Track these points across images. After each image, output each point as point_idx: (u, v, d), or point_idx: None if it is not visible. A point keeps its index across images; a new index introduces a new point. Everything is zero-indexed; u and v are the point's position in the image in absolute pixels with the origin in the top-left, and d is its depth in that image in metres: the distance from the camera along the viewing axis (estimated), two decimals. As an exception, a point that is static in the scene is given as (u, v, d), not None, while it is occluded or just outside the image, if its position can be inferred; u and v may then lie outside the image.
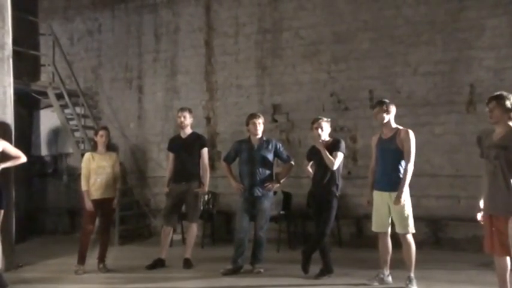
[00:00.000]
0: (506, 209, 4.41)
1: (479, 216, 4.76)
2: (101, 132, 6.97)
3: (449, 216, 7.70)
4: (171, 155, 7.19)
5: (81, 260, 6.74)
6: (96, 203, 6.71)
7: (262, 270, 6.49)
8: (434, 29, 8.12)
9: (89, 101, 10.39)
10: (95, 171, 6.76)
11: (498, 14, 7.76)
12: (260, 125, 6.68)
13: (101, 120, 10.36)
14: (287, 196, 8.44)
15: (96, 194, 6.73)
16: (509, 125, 4.55)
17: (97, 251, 6.92)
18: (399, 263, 5.69)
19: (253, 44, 9.42)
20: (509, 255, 4.52)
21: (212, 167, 8.68)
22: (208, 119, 9.69)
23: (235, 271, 6.44)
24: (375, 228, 5.80)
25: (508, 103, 4.52)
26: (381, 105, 5.69)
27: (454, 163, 7.84)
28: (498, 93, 4.65)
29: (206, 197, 8.58)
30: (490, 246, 4.62)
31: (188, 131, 7.13)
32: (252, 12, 9.46)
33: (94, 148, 7.05)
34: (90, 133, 9.06)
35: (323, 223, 6.08)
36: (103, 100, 10.61)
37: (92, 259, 6.89)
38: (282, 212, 8.23)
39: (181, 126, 7.12)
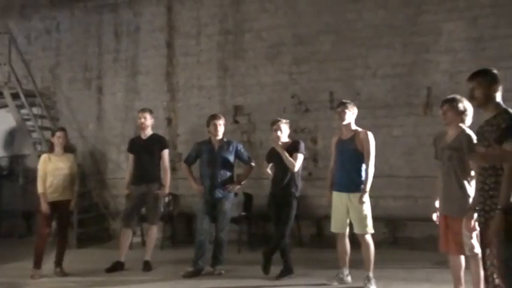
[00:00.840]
0: (460, 209, 4.50)
1: (435, 216, 4.87)
2: (58, 134, 6.84)
3: (406, 216, 7.84)
4: (130, 157, 7.09)
5: (37, 264, 6.58)
6: (53, 205, 6.57)
7: (223, 271, 6.47)
8: (393, 33, 8.26)
9: (47, 102, 10.18)
10: (52, 173, 6.62)
11: (454, 18, 7.95)
12: (221, 126, 6.67)
13: (59, 121, 10.15)
14: (248, 197, 8.45)
15: (52, 196, 6.59)
16: (461, 127, 4.69)
17: (54, 254, 6.77)
18: (358, 263, 5.76)
19: (215, 45, 9.40)
20: (464, 254, 4.64)
21: (173, 168, 8.61)
22: (169, 120, 9.62)
23: (195, 273, 6.40)
24: (333, 229, 5.86)
25: (460, 106, 4.67)
26: (344, 106, 5.75)
27: (412, 164, 7.99)
28: (451, 96, 4.81)
29: (167, 199, 8.51)
30: (444, 246, 4.74)
31: (148, 132, 7.06)
32: (214, 13, 9.44)
33: (51, 149, 6.90)
34: (48, 134, 8.86)
35: (283, 224, 6.11)
36: (61, 100, 10.40)
37: (49, 263, 6.74)
38: (242, 214, 8.24)
39: (142, 128, 7.04)
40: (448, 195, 4.64)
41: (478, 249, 4.39)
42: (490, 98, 3.62)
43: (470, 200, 4.43)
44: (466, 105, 4.69)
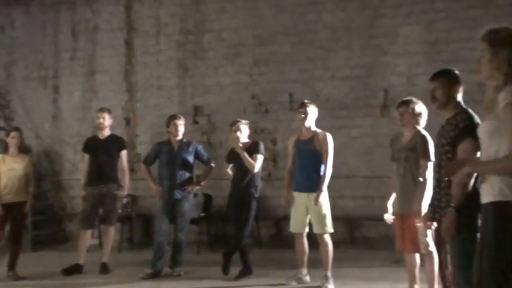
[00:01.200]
0: (415, 207, 4.64)
1: (387, 216, 4.97)
2: (12, 134, 6.70)
3: (364, 215, 7.95)
4: (86, 157, 6.96)
5: (-10, 267, 6.40)
6: (7, 207, 6.40)
7: (182, 273, 6.43)
8: (351, 35, 8.38)
9: (0, 101, 9.90)
10: (6, 174, 6.48)
11: (411, 22, 8.13)
12: (181, 126, 6.64)
13: (14, 120, 9.88)
14: (207, 198, 8.42)
15: (6, 198, 6.45)
16: (416, 129, 4.83)
17: (7, 257, 6.59)
18: (316, 262, 5.82)
19: (175, 45, 9.34)
20: (419, 252, 4.76)
21: (131, 169, 8.50)
22: (127, 120, 9.49)
23: (154, 275, 6.34)
24: (292, 229, 5.90)
25: (416, 108, 4.82)
26: (304, 106, 5.79)
27: (369, 164, 8.12)
28: (407, 98, 4.94)
29: (125, 200, 8.40)
30: (400, 244, 4.86)
31: (106, 132, 6.96)
32: (174, 13, 9.37)
33: (5, 150, 6.74)
34: (2, 134, 8.60)
35: (242, 225, 6.12)
36: (15, 100, 10.12)
37: (2, 267, 6.55)
38: (202, 214, 8.21)
39: (100, 128, 6.92)
40: (404, 194, 4.77)
41: (433, 247, 4.53)
42: (451, 98, 3.63)
43: (427, 199, 4.58)
44: (421, 107, 4.85)
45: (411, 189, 4.72)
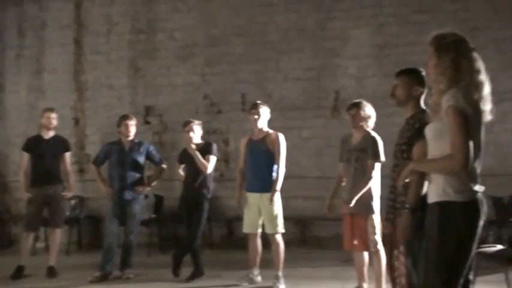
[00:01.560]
0: (365, 207, 4.76)
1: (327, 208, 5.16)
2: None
3: (315, 216, 8.03)
4: (26, 156, 6.68)
5: None
6: None
7: (131, 275, 6.33)
8: (303, 37, 8.47)
9: None
10: None
11: (361, 25, 8.29)
12: (132, 127, 6.54)
13: (-44, 120, 9.52)
14: (159, 199, 8.34)
15: None
16: (366, 130, 4.94)
17: None
18: (268, 263, 5.84)
19: (126, 44, 9.20)
20: (368, 250, 4.86)
21: (80, 170, 8.33)
22: (76, 120, 9.28)
23: (103, 278, 6.21)
24: (246, 229, 5.91)
25: (366, 110, 4.94)
26: (256, 107, 5.80)
27: (320, 165, 8.22)
28: (357, 100, 5.06)
29: (73, 201, 8.22)
30: (349, 243, 4.95)
31: (52, 132, 6.78)
32: (125, 11, 9.23)
33: None
34: None
35: (194, 226, 6.08)
36: (-42, 98, 9.75)
37: None
38: (153, 216, 8.13)
39: (49, 128, 6.73)
40: (354, 194, 4.85)
41: (380, 246, 4.64)
42: (411, 97, 3.59)
43: (376, 198, 4.73)
44: (371, 109, 4.97)
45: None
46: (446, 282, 2.69)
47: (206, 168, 6.05)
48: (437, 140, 2.80)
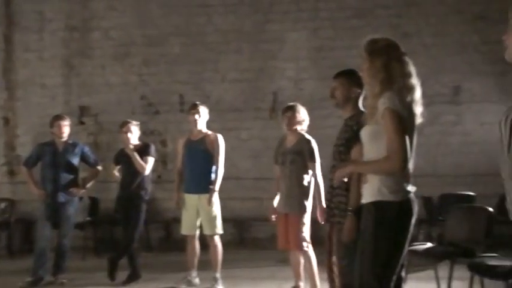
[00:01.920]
0: (299, 207, 4.87)
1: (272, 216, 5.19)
2: None
3: (253, 216, 8.11)
4: None
5: None
6: None
7: (65, 280, 6.15)
8: (242, 39, 8.52)
9: None
10: None
11: (298, 28, 8.43)
12: (66, 127, 6.36)
13: None
14: (94, 201, 8.17)
15: None
16: (301, 133, 5.05)
17: None
18: (206, 264, 5.83)
19: (60, 42, 8.94)
20: (301, 250, 4.95)
21: (11, 171, 8.02)
22: (6, 120, 8.94)
23: (35, 283, 6.00)
24: (184, 231, 5.86)
25: (301, 113, 5.04)
26: (196, 108, 5.78)
27: (258, 167, 8.28)
28: (292, 103, 5.17)
29: (3, 204, 7.91)
30: (283, 243, 5.03)
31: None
32: (59, 8, 8.97)
33: None
34: None
35: (131, 228, 5.99)
36: None
37: None
38: (88, 219, 7.95)
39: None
40: (290, 194, 4.98)
41: (309, 245, 4.79)
42: (349, 99, 3.65)
43: (310, 198, 4.86)
44: (305, 112, 5.08)
45: (296, 190, 4.95)
46: (381, 280, 2.77)
47: (144, 169, 5.97)
48: (373, 142, 2.87)
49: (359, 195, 3.08)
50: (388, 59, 2.85)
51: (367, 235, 2.83)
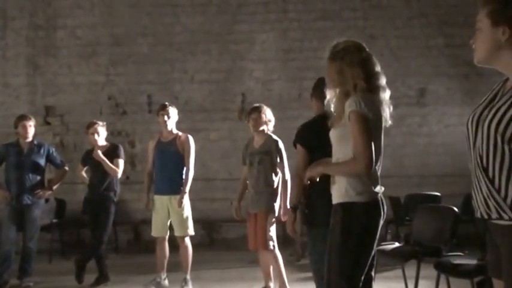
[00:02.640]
0: (266, 207, 4.92)
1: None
2: None
3: (222, 217, 8.11)
4: None
5: None
6: None
7: (31, 284, 6.04)
8: (210, 39, 8.51)
9: None
10: None
11: (266, 29, 8.47)
12: (31, 127, 6.23)
13: None
14: (60, 203, 8.04)
15: None
16: (267, 134, 5.13)
17: None
18: (175, 266, 5.81)
19: (23, 40, 8.78)
20: (268, 249, 4.98)
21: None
22: (-32, 120, 8.72)
23: (0, 287, 5.89)
24: (154, 233, 5.81)
25: (267, 114, 5.11)
26: (165, 108, 5.74)
27: (227, 167, 8.30)
28: (258, 105, 5.24)
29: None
30: (253, 243, 5.07)
31: None
32: (22, 6, 8.80)
33: None
34: None
35: (100, 230, 5.91)
36: None
37: None
38: (54, 221, 7.81)
39: None
40: (258, 194, 5.03)
41: (275, 245, 4.83)
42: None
43: (277, 198, 4.92)
44: (270, 113, 5.16)
45: (264, 190, 5.00)
46: (350, 279, 2.81)
47: (117, 173, 5.92)
48: (340, 143, 2.91)
49: (299, 194, 3.54)
50: (342, 63, 2.87)
51: (335, 236, 2.87)
